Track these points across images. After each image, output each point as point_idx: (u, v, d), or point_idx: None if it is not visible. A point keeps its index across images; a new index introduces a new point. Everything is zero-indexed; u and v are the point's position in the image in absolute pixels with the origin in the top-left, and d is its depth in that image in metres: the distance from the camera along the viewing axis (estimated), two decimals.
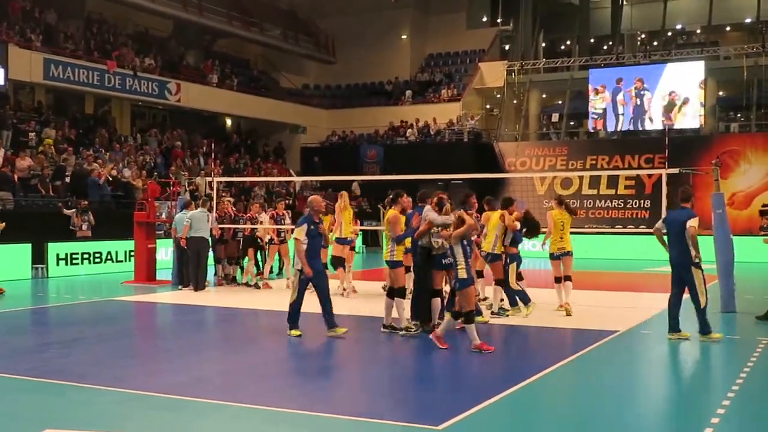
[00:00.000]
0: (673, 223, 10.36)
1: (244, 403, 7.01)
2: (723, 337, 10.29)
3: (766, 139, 30.07)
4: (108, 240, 20.11)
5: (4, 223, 16.70)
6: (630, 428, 6.54)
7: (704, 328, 10.19)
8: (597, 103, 32.97)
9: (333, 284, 15.33)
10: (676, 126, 31.73)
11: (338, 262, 15.19)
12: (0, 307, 14.57)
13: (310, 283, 10.59)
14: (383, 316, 10.84)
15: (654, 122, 32.19)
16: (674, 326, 10.32)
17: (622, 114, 32.55)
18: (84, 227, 19.80)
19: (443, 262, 10.21)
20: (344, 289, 15.14)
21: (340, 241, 15.07)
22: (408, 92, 37.95)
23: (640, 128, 32.38)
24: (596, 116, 33.02)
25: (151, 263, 17.53)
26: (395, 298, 10.61)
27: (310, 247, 10.33)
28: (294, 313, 10.55)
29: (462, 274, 9.41)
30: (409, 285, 11.78)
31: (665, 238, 10.44)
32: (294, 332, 10.51)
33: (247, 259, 17.09)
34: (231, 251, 17.16)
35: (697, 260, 10.13)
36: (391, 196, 11.18)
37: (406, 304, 10.82)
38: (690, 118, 31.76)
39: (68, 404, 7.12)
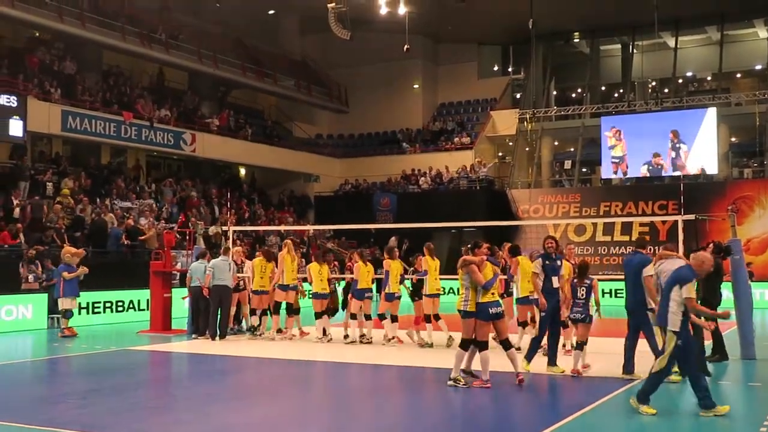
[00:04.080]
0: None
1: None
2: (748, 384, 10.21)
3: None
4: (124, 290, 20.19)
5: (86, 269, 17.21)
6: None
7: None
8: (615, 151, 33.06)
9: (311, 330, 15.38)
10: (690, 172, 31.79)
11: (287, 308, 16.00)
12: (20, 357, 14.63)
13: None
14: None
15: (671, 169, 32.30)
16: None
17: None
18: (30, 278, 18.77)
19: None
20: (287, 333, 16.07)
21: (283, 287, 15.74)
22: (405, 145, 38.42)
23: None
24: (617, 160, 33.10)
25: (167, 312, 17.55)
26: (459, 349, 10.40)
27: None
28: (657, 386, 8.79)
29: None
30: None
31: None
32: (647, 410, 8.66)
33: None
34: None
35: None
36: (469, 245, 11.05)
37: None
38: (703, 164, 31.82)
39: None
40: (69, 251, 17.32)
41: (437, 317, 14.50)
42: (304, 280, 16.54)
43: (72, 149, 29.13)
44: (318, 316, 15.62)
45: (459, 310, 10.42)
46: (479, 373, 10.40)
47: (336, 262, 16.79)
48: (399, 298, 15.00)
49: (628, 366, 10.90)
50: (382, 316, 15.17)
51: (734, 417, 8.63)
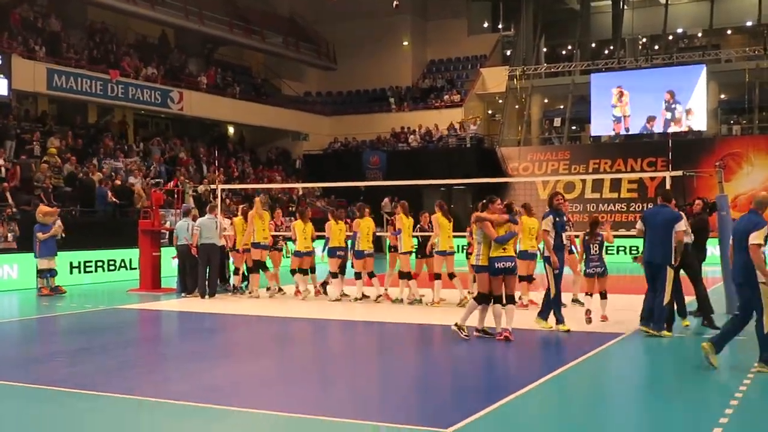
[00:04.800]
0: None
1: (255, 409, 7.03)
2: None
3: None
4: (115, 249, 20.18)
5: (61, 227, 17.11)
6: (644, 426, 6.56)
7: None
8: (616, 111, 32.91)
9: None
10: (679, 129, 31.81)
11: (258, 266, 16.11)
12: (8, 316, 14.63)
13: None
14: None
15: (660, 126, 32.29)
16: None
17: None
18: (10, 237, 18.54)
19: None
20: (268, 289, 16.28)
21: (256, 245, 15.89)
22: (392, 100, 38.29)
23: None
24: (614, 119, 33.04)
25: (156, 271, 17.56)
26: (471, 301, 10.76)
27: None
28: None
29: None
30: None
31: None
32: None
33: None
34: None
35: None
36: (483, 201, 11.07)
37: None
38: (692, 122, 31.83)
39: (76, 413, 7.12)
40: (42, 210, 17.14)
41: (452, 276, 14.36)
42: (288, 239, 16.56)
43: (58, 108, 28.87)
44: (293, 273, 15.87)
45: (472, 265, 10.83)
46: (493, 330, 10.65)
47: (348, 220, 16.79)
48: (371, 255, 15.16)
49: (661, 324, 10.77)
50: (358, 275, 15.28)
51: (721, 368, 8.75)
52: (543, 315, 11.50)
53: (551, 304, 11.31)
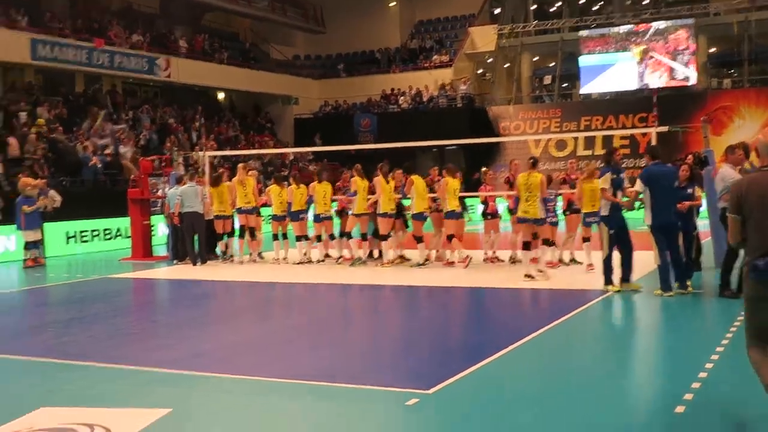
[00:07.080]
0: None
1: (241, 374, 7.09)
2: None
3: (759, 94, 30.06)
4: (105, 218, 20.18)
5: (47, 200, 17.24)
6: (624, 386, 6.65)
7: None
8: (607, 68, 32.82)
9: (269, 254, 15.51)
10: (670, 84, 31.71)
11: (243, 231, 16.38)
12: (10, 286, 14.69)
13: None
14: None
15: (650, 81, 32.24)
16: None
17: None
18: None
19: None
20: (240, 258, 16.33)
21: (239, 210, 16.14)
22: (340, 67, 38.34)
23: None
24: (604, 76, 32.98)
25: (147, 240, 17.59)
26: (523, 252, 12.48)
27: None
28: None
29: None
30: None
31: None
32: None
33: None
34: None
35: None
36: (532, 161, 12.56)
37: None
38: (683, 76, 31.75)
39: (64, 382, 7.15)
40: (27, 183, 17.06)
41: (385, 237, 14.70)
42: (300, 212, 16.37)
43: (44, 78, 28.65)
44: (275, 237, 16.03)
45: (538, 219, 12.16)
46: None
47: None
48: (329, 218, 15.60)
49: (669, 283, 10.36)
50: (319, 238, 15.71)
51: (703, 326, 8.84)
52: (626, 277, 11.02)
53: (624, 262, 10.94)
